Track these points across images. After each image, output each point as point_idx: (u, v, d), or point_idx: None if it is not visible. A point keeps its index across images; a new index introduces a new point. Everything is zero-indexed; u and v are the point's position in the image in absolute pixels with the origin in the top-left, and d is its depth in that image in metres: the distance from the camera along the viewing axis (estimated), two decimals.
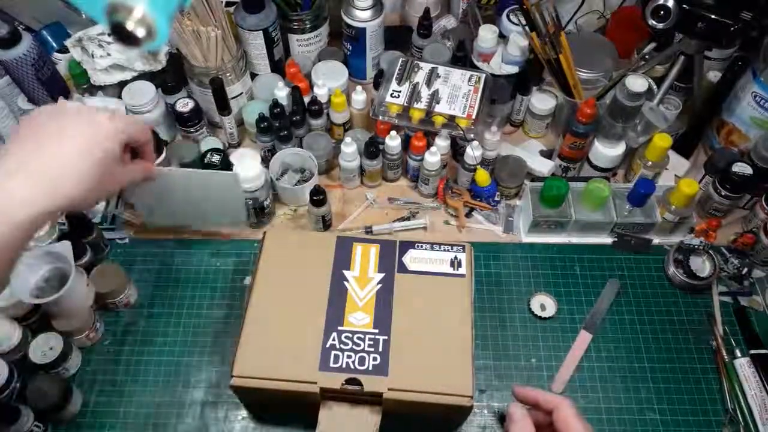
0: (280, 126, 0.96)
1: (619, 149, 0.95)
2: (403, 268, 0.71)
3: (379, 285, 0.69)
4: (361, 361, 0.62)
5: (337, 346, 0.63)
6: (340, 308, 0.66)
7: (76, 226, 0.88)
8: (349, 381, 0.61)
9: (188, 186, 0.85)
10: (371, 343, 0.64)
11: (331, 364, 0.62)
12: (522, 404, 0.63)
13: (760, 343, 0.86)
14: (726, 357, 0.84)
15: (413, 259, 0.72)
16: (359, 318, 0.65)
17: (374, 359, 0.63)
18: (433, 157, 0.93)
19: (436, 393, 0.61)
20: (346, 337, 0.64)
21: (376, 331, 0.65)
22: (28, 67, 0.96)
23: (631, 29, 1.04)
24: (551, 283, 0.92)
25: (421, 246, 0.74)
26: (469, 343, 0.65)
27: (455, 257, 0.73)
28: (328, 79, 1.03)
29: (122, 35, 0.38)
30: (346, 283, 0.68)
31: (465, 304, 0.69)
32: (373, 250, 0.71)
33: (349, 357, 0.62)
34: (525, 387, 0.65)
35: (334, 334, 0.64)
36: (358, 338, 0.64)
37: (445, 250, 0.74)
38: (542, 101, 1.03)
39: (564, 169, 1.01)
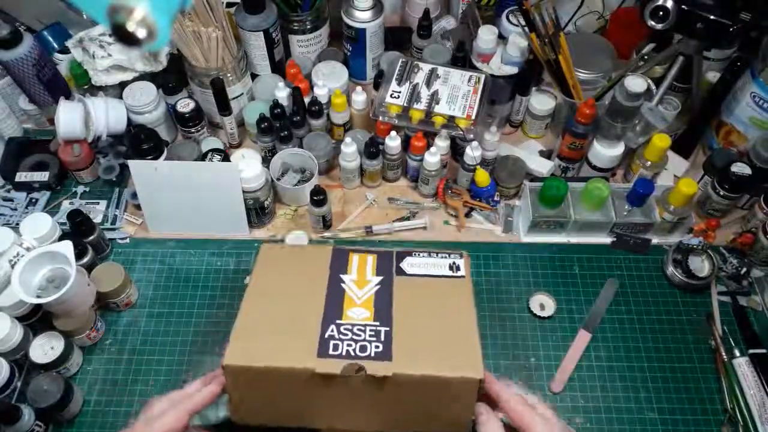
0: (281, 126, 0.96)
1: (618, 149, 0.95)
2: (401, 272, 0.70)
3: (378, 286, 0.67)
4: (363, 349, 0.59)
5: (336, 337, 0.60)
6: (338, 304, 0.64)
7: (78, 226, 0.88)
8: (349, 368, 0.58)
9: (188, 181, 0.85)
10: (372, 333, 0.61)
11: (330, 352, 0.58)
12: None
13: (759, 342, 0.86)
14: (725, 356, 0.85)
15: (411, 265, 0.71)
16: (358, 313, 0.63)
17: (376, 347, 0.59)
18: (433, 157, 0.93)
19: (444, 375, 0.58)
20: (345, 329, 0.61)
21: (377, 323, 0.62)
22: (29, 68, 0.96)
23: (630, 30, 1.04)
24: (550, 282, 0.92)
25: (419, 254, 0.73)
26: (475, 329, 0.63)
27: (453, 263, 0.72)
28: (329, 80, 1.03)
29: (123, 36, 0.38)
30: (343, 284, 0.67)
31: (466, 295, 0.68)
32: (370, 259, 0.70)
33: (349, 345, 0.59)
34: (492, 382, 0.60)
35: (333, 326, 0.61)
36: (359, 329, 0.61)
37: (442, 257, 0.72)
38: (541, 102, 1.03)
39: (563, 170, 1.01)
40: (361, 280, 0.68)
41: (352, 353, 0.59)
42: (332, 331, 0.61)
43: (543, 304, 0.90)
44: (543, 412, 0.58)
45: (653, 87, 0.96)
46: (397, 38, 1.14)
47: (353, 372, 0.58)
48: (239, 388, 0.61)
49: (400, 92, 0.96)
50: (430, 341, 0.62)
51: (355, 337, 0.60)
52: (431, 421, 0.62)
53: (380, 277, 0.69)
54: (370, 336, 0.61)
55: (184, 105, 1.00)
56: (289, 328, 0.62)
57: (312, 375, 0.58)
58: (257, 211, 0.95)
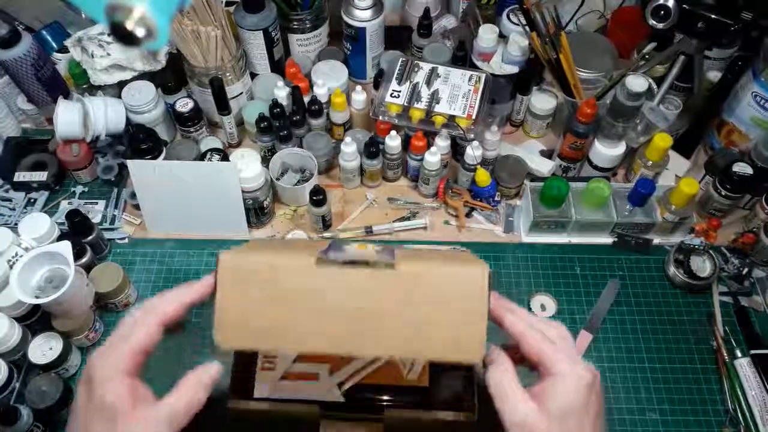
0: (280, 126, 0.96)
1: (620, 149, 0.95)
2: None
3: (378, 251, 0.67)
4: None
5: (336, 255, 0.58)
6: (339, 249, 0.64)
7: (76, 226, 0.88)
8: (351, 262, 0.56)
9: (187, 181, 0.85)
10: (374, 254, 0.61)
11: (331, 257, 0.57)
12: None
13: (761, 343, 0.86)
14: (726, 357, 0.84)
15: (412, 247, 0.72)
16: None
17: (378, 257, 0.58)
18: (433, 157, 0.93)
19: (449, 268, 0.56)
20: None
21: (378, 254, 0.62)
22: (28, 67, 0.96)
23: (631, 29, 1.04)
24: (551, 283, 0.92)
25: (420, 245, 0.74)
26: (483, 269, 0.62)
27: (455, 248, 0.73)
28: (328, 79, 1.03)
29: (122, 35, 0.38)
30: (342, 252, 0.67)
31: (468, 254, 0.68)
32: (370, 246, 0.70)
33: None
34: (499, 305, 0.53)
35: (333, 250, 0.61)
36: (360, 254, 0.61)
37: (443, 249, 0.74)
38: (542, 101, 1.03)
39: (564, 169, 1.01)
40: (360, 247, 0.68)
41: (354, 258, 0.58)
42: (332, 250, 0.60)
43: (544, 304, 0.90)
44: (562, 347, 0.51)
45: (654, 86, 0.96)
46: (397, 37, 1.13)
47: (355, 260, 0.56)
48: (229, 291, 0.58)
49: (400, 91, 0.96)
50: (432, 260, 0.62)
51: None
52: (440, 341, 0.60)
53: (380, 247, 0.69)
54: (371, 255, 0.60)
55: (183, 104, 0.99)
56: (287, 251, 0.62)
57: (312, 268, 0.56)
58: (256, 211, 0.94)
